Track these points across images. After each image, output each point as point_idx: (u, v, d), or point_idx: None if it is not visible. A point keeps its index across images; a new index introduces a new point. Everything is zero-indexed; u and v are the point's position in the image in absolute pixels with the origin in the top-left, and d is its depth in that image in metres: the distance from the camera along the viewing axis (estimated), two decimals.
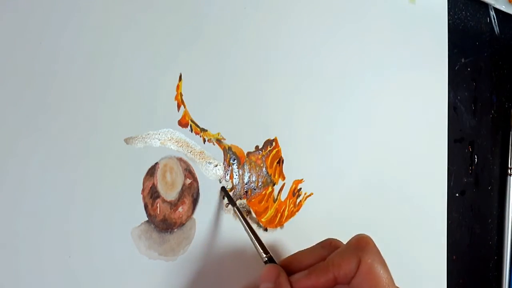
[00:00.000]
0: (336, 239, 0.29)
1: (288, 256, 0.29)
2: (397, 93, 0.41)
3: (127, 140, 0.26)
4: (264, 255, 0.28)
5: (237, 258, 0.31)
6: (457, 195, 0.48)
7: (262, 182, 0.32)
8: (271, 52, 0.33)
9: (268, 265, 0.27)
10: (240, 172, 0.31)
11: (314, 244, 0.30)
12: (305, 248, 0.29)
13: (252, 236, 0.29)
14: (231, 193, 0.30)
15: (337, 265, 0.25)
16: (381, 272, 0.25)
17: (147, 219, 0.27)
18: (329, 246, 0.28)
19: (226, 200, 0.30)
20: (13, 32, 0.23)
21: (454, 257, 0.47)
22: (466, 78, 0.48)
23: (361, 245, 0.26)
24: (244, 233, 0.30)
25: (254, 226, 0.31)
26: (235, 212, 0.30)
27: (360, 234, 0.27)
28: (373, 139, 0.39)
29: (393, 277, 0.26)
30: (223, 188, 0.30)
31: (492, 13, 0.51)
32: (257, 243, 0.28)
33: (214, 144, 0.30)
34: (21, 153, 0.23)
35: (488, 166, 0.52)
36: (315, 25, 0.35)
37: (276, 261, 0.28)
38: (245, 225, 0.29)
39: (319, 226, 0.35)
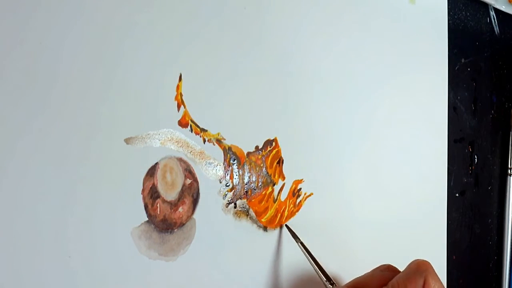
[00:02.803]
0: (391, 264, 0.31)
1: (350, 282, 0.31)
2: (397, 93, 0.41)
3: (127, 140, 0.26)
4: (330, 285, 0.29)
5: (237, 258, 0.31)
6: (457, 195, 0.48)
7: (262, 182, 0.32)
8: (271, 52, 0.33)
9: None
10: (240, 172, 0.31)
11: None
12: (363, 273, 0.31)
13: (318, 269, 0.31)
14: (230, 193, 0.31)
15: (404, 286, 0.27)
16: None
17: (147, 219, 0.27)
18: (388, 270, 0.30)
19: (230, 204, 0.30)
20: (13, 32, 0.23)
21: (454, 257, 0.47)
22: (466, 78, 0.48)
23: (423, 268, 0.28)
24: (244, 233, 0.30)
25: (254, 226, 0.31)
26: (300, 247, 0.32)
27: (419, 259, 0.29)
28: (373, 139, 0.39)
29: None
30: (287, 226, 0.33)
31: (492, 13, 0.51)
32: (321, 274, 0.30)
33: (214, 144, 0.30)
34: (21, 153, 0.23)
35: (488, 166, 0.52)
36: (314, 25, 0.35)
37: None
38: (310, 258, 0.31)
39: (319, 226, 0.35)
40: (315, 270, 0.31)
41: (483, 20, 0.50)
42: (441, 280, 0.28)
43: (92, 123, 0.25)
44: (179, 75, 0.28)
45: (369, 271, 0.31)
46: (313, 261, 0.31)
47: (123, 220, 0.26)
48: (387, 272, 0.30)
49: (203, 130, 0.29)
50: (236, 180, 0.31)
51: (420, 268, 0.28)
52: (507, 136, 0.53)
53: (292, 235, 0.32)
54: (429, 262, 0.28)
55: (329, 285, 0.30)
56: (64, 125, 0.24)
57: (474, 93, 0.49)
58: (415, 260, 0.29)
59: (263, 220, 0.32)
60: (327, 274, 0.30)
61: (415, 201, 0.42)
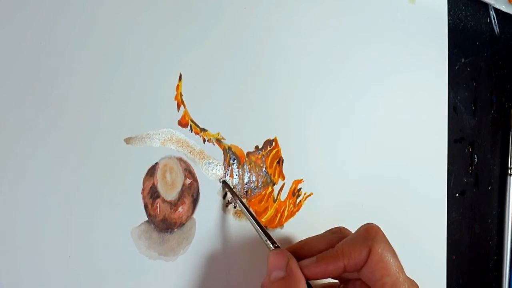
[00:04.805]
0: (345, 227, 0.29)
1: (298, 242, 0.29)
2: (397, 93, 0.41)
3: (127, 140, 0.26)
4: (272, 246, 0.27)
5: (238, 258, 0.31)
6: (457, 195, 0.48)
7: (262, 182, 0.32)
8: (270, 52, 0.33)
9: (275, 250, 0.26)
10: (240, 172, 0.31)
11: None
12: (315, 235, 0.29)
13: (258, 228, 0.28)
14: None
15: (347, 254, 0.25)
16: (391, 261, 0.25)
17: (147, 219, 0.27)
18: (339, 233, 0.28)
19: (228, 198, 0.30)
20: (15, 32, 0.23)
21: (454, 257, 0.47)
22: (466, 78, 0.48)
23: (371, 234, 0.26)
24: (245, 233, 0.30)
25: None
26: (239, 205, 0.30)
27: (369, 223, 0.27)
28: (373, 139, 0.39)
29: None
30: (224, 183, 0.30)
31: (492, 13, 0.51)
32: (263, 234, 0.28)
33: (214, 144, 0.30)
34: (21, 152, 0.23)
35: (488, 166, 0.52)
36: (314, 26, 0.35)
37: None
38: (251, 217, 0.29)
39: (318, 226, 0.35)
40: (257, 231, 0.28)
41: (483, 20, 0.50)
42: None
43: (92, 123, 0.25)
44: (179, 75, 0.28)
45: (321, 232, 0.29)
46: (255, 221, 0.28)
47: (123, 220, 0.26)
48: (337, 235, 0.28)
49: (203, 130, 0.29)
50: (236, 180, 0.31)
51: (368, 235, 0.26)
52: (507, 136, 0.53)
53: (231, 193, 0.30)
54: (378, 227, 0.26)
55: (271, 247, 0.27)
56: (64, 125, 0.24)
57: (474, 93, 0.49)
58: (365, 224, 0.27)
59: (263, 220, 0.32)
60: (269, 236, 0.28)
61: (415, 201, 0.42)
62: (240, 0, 0.31)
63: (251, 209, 0.30)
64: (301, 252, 0.27)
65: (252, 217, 0.29)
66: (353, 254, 0.25)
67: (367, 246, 0.25)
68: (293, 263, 0.26)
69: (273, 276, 0.25)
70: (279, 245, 0.27)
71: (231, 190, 0.30)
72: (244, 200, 0.31)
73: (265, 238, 0.28)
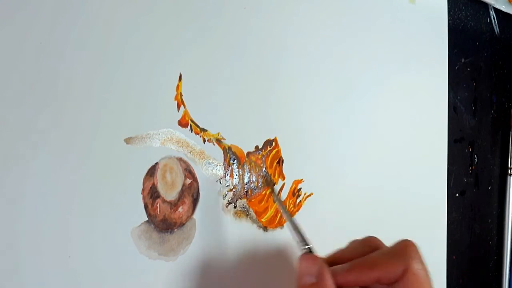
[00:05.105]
0: (377, 238, 0.28)
1: (329, 254, 0.28)
2: (397, 93, 0.41)
3: (127, 140, 0.26)
4: (304, 248, 0.26)
5: (237, 258, 0.31)
6: (457, 195, 0.48)
7: (262, 182, 0.32)
8: (270, 52, 0.33)
9: (306, 255, 0.26)
10: (240, 172, 0.31)
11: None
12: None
13: (294, 224, 0.27)
14: (230, 193, 0.30)
15: (383, 266, 0.25)
16: (427, 282, 0.25)
17: (147, 219, 0.27)
18: (370, 244, 0.28)
19: (230, 204, 0.30)
20: (15, 32, 0.23)
21: (454, 257, 0.47)
22: (466, 78, 0.48)
23: (409, 252, 0.26)
24: (245, 233, 0.30)
25: (254, 226, 0.31)
26: (278, 204, 0.29)
27: (407, 239, 0.27)
28: (373, 139, 0.39)
29: None
30: (269, 182, 0.30)
31: (492, 13, 0.51)
32: (296, 232, 0.27)
33: (214, 144, 0.30)
34: (22, 152, 0.23)
35: (488, 166, 0.52)
36: (314, 26, 0.35)
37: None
38: (286, 212, 0.28)
39: (319, 226, 0.35)
40: (291, 229, 0.27)
41: (483, 20, 0.50)
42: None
43: (92, 123, 0.25)
44: (179, 75, 0.28)
45: (352, 240, 0.28)
46: (292, 222, 0.27)
47: (123, 220, 0.26)
48: (368, 246, 0.27)
49: (203, 130, 0.29)
50: (236, 180, 0.31)
51: (406, 252, 0.25)
52: (507, 136, 0.53)
53: (273, 195, 0.29)
54: (416, 245, 0.26)
55: (302, 248, 0.26)
56: (64, 125, 0.24)
57: (474, 93, 0.49)
58: (403, 240, 0.26)
59: (263, 220, 0.32)
60: (304, 238, 0.27)
61: (415, 201, 0.42)
62: (240, 0, 0.31)
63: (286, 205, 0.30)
64: (331, 260, 0.27)
65: (288, 213, 0.28)
66: (389, 268, 0.25)
67: (404, 263, 0.25)
68: (325, 270, 0.25)
69: (304, 281, 0.25)
70: (312, 249, 0.27)
71: (272, 188, 0.30)
72: (244, 201, 0.31)
73: (299, 239, 0.27)
